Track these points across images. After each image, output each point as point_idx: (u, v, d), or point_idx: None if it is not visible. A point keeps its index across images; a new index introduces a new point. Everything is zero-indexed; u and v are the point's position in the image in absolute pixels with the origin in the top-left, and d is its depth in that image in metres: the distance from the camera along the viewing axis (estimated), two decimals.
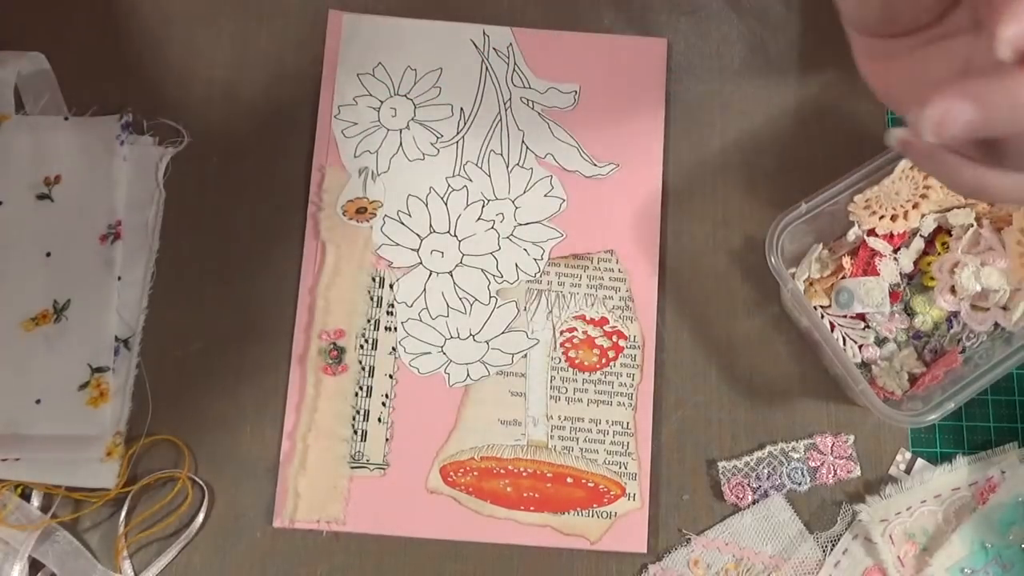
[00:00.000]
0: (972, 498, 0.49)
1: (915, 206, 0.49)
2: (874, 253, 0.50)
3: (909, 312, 0.51)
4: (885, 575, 0.49)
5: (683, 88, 0.56)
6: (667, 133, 0.55)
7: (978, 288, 0.48)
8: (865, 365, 0.51)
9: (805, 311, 0.47)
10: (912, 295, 0.51)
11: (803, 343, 0.52)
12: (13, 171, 0.52)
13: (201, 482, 0.50)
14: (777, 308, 0.53)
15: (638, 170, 0.54)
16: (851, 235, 0.51)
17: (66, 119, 0.53)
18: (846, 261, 0.51)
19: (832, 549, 0.50)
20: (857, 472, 0.51)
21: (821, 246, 0.51)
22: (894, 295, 0.51)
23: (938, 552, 0.48)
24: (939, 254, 0.51)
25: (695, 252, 0.54)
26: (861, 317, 0.51)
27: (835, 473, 0.50)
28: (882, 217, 0.49)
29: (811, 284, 0.51)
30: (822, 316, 0.51)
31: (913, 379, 0.51)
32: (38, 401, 0.49)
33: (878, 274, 0.50)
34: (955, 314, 0.51)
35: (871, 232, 0.50)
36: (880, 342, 0.51)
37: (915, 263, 0.51)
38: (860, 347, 0.51)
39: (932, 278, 0.50)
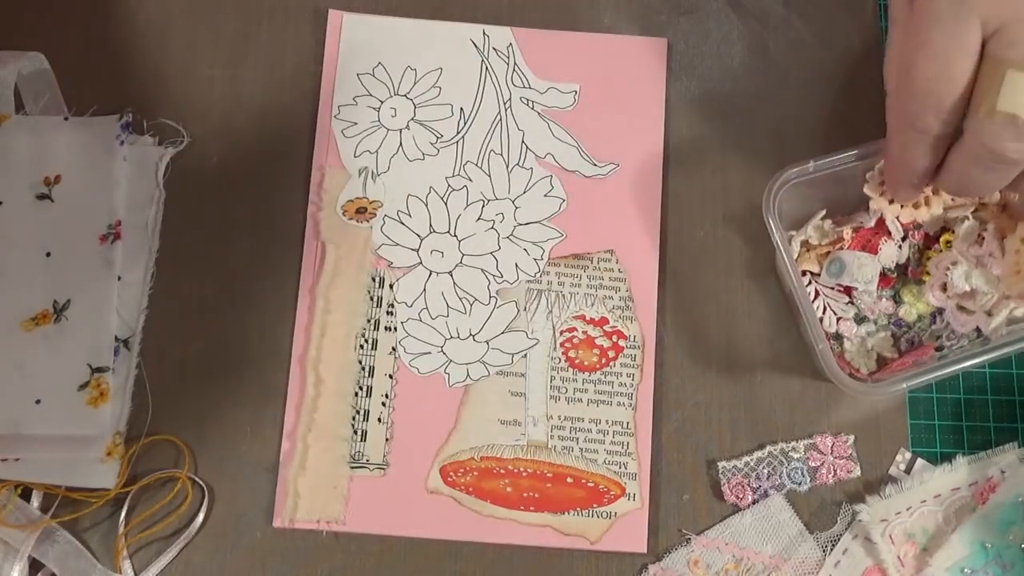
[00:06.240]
0: (972, 498, 0.49)
1: (935, 192, 0.49)
2: (878, 232, 0.50)
3: (897, 300, 0.52)
4: (885, 575, 0.49)
5: (683, 88, 0.56)
6: (667, 133, 0.55)
7: (967, 288, 0.49)
8: (838, 337, 0.52)
9: (785, 257, 0.47)
10: (904, 284, 0.52)
11: (804, 344, 0.52)
12: (13, 171, 0.52)
13: (201, 482, 0.50)
14: (778, 308, 0.53)
15: (638, 170, 0.54)
16: (868, 218, 0.50)
17: (66, 119, 0.53)
18: (847, 232, 0.51)
19: (832, 549, 0.50)
20: (857, 472, 0.51)
21: (824, 212, 0.51)
22: (886, 280, 0.51)
23: (938, 552, 0.48)
24: (941, 251, 0.51)
25: (695, 252, 0.54)
26: (848, 292, 0.52)
27: (835, 473, 0.50)
28: (903, 205, 0.49)
29: (808, 249, 0.52)
30: (809, 282, 0.51)
31: (883, 363, 0.51)
32: (38, 401, 0.49)
33: (876, 252, 0.50)
34: (940, 311, 0.51)
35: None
36: (859, 320, 0.52)
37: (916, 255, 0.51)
38: (839, 320, 0.51)
39: (928, 273, 0.51)
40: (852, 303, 0.52)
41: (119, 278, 0.51)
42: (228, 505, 0.50)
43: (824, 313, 0.51)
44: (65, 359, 0.50)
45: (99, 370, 0.50)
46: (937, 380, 0.46)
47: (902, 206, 0.49)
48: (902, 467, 0.51)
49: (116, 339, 0.51)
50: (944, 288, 0.50)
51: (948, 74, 0.41)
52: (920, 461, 0.51)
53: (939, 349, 0.51)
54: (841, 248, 0.51)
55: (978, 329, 0.49)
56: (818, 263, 0.51)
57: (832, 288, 0.51)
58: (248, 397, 0.51)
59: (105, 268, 0.51)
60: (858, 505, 0.50)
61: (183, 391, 0.51)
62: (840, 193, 0.51)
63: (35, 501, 0.49)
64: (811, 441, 0.51)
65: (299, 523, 0.50)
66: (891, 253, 0.51)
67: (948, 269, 0.49)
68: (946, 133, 0.42)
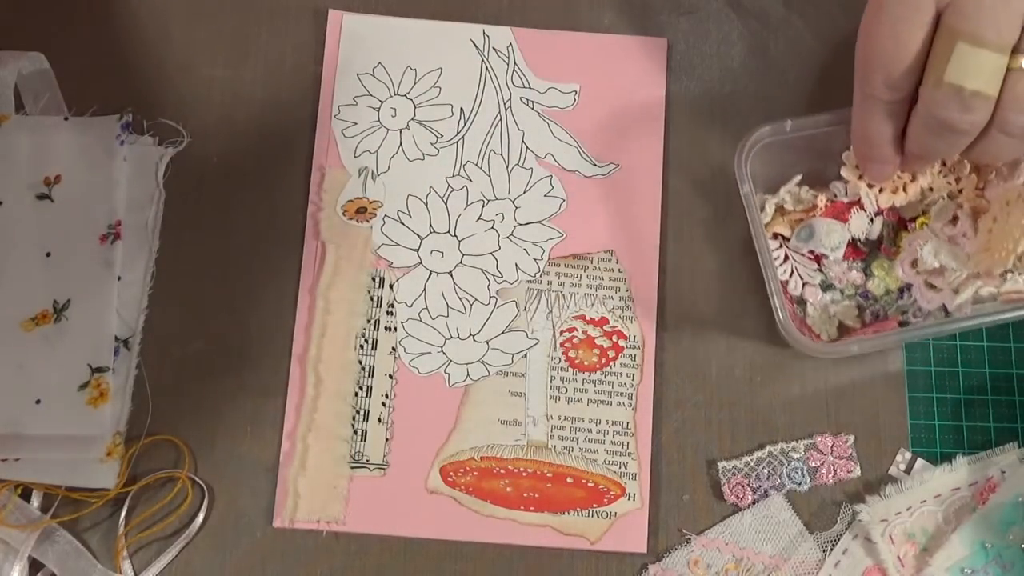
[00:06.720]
0: (972, 498, 0.50)
1: (913, 179, 0.50)
2: (852, 204, 0.51)
3: (867, 273, 0.52)
4: (885, 575, 0.49)
5: (683, 88, 0.56)
6: (667, 133, 0.55)
7: (936, 265, 0.49)
8: (802, 302, 0.52)
9: (751, 213, 0.48)
10: (875, 258, 0.52)
11: None
12: (13, 171, 0.52)
13: (201, 482, 0.50)
14: None
15: (638, 170, 0.54)
16: (843, 192, 0.51)
17: (66, 119, 0.53)
18: (821, 200, 0.51)
19: (832, 549, 0.50)
20: (857, 472, 0.51)
21: (800, 178, 0.52)
22: (858, 252, 0.52)
23: (938, 552, 0.48)
24: (916, 230, 0.51)
25: (695, 252, 0.54)
26: (818, 260, 0.52)
27: (835, 473, 0.50)
28: (881, 189, 0.50)
29: (782, 214, 0.52)
30: (780, 246, 0.52)
31: (844, 332, 0.51)
32: (38, 401, 0.49)
33: (847, 221, 0.51)
34: (909, 287, 0.51)
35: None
36: (826, 288, 0.52)
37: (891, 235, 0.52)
38: (804, 285, 0.52)
39: (901, 250, 0.51)
40: (820, 270, 0.52)
41: (119, 278, 0.51)
42: (228, 505, 0.50)
43: (791, 277, 0.52)
44: (65, 359, 0.50)
45: (99, 370, 0.50)
46: (890, 346, 0.48)
47: (880, 190, 0.49)
48: (902, 467, 0.51)
49: (116, 339, 0.51)
50: (914, 264, 0.50)
51: (899, 41, 0.41)
52: (920, 461, 0.51)
53: (903, 324, 0.51)
54: (814, 216, 0.51)
55: (944, 308, 0.50)
56: (790, 228, 0.52)
57: (803, 254, 0.52)
58: (248, 397, 0.51)
59: (105, 268, 0.51)
60: (858, 505, 0.50)
61: (183, 391, 0.51)
62: (820, 165, 0.51)
63: (35, 501, 0.49)
64: (811, 441, 0.51)
65: (299, 523, 0.50)
66: (862, 224, 0.51)
67: (920, 246, 0.50)
68: (898, 99, 0.43)
